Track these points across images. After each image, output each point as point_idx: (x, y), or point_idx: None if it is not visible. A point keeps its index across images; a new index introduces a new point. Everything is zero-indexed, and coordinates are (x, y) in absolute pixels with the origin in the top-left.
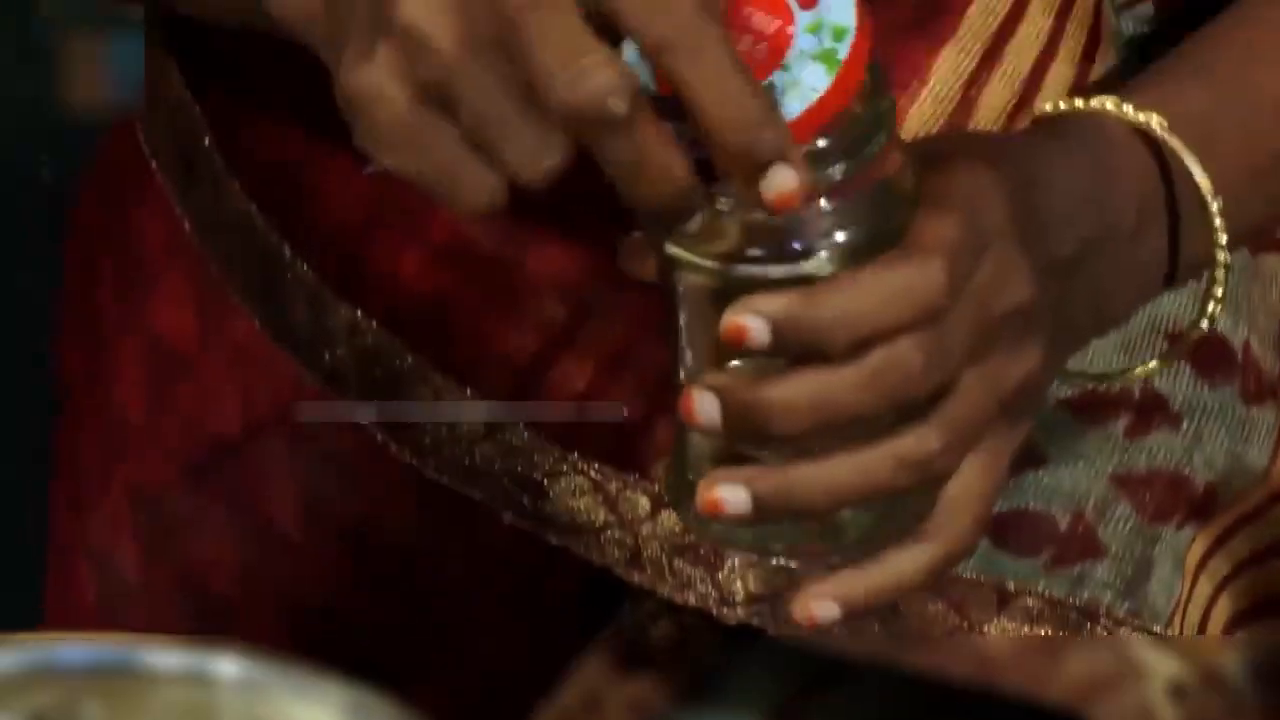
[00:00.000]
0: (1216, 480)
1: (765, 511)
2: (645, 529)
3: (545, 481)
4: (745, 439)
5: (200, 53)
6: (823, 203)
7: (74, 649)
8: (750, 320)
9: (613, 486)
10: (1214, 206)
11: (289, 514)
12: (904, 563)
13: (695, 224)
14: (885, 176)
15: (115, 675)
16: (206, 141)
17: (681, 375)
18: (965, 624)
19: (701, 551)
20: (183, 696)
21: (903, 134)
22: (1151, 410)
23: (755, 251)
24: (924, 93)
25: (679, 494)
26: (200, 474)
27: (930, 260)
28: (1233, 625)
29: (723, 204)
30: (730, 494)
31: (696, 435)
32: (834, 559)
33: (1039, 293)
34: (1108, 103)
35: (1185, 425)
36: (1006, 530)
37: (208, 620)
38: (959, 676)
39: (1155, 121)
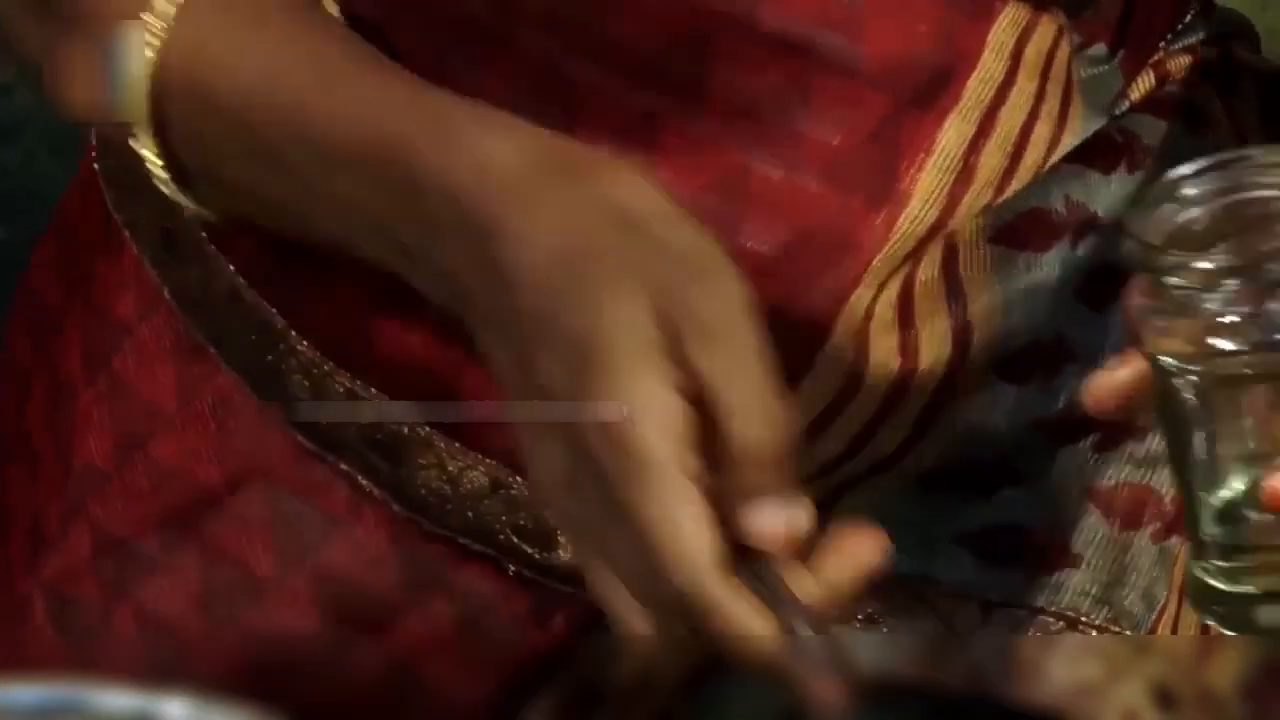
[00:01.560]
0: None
1: None
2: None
3: (553, 534)
4: None
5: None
6: None
7: (24, 690)
8: None
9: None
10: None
11: (267, 563)
12: None
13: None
14: None
15: (65, 716)
16: (188, 213)
17: (1195, 479)
18: (953, 635)
19: None
20: None
21: (909, 206)
22: (1119, 425)
23: (1248, 348)
24: (929, 163)
25: (1208, 601)
26: (177, 523)
27: None
28: (1223, 638)
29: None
30: None
31: (1215, 542)
32: None
33: None
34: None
35: (1150, 440)
36: (988, 545)
37: (169, 664)
38: (946, 688)
39: None
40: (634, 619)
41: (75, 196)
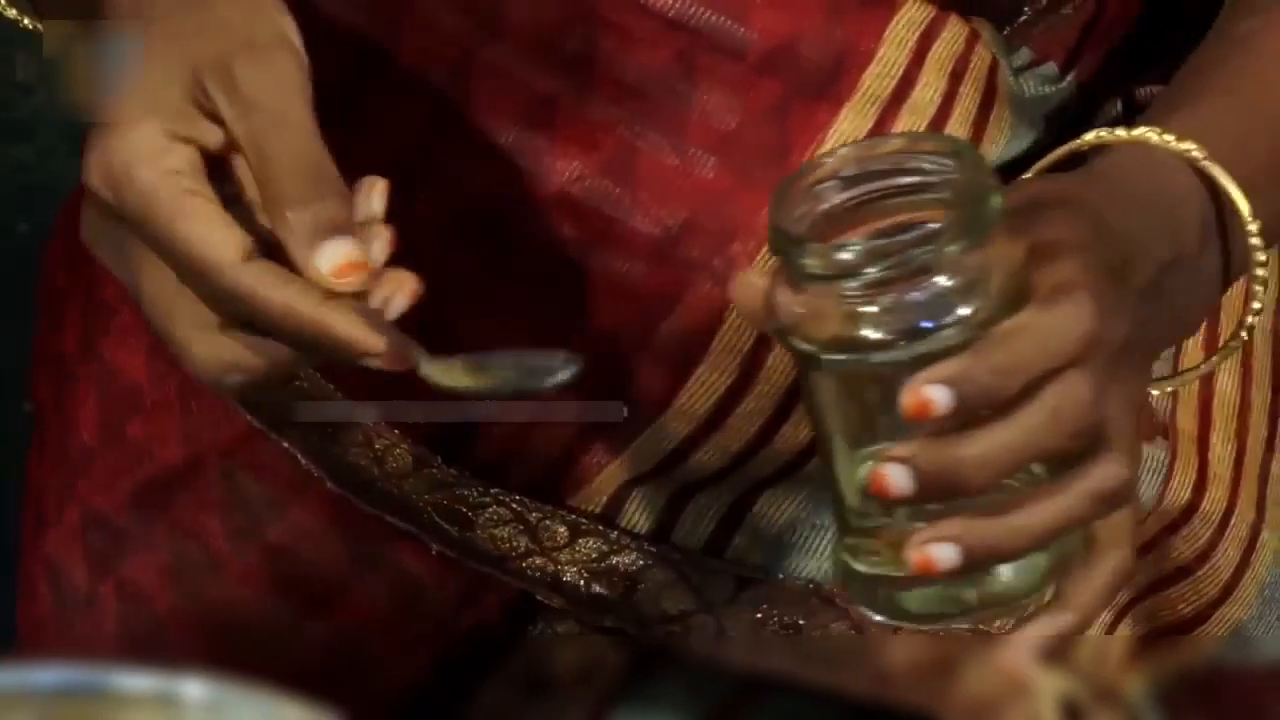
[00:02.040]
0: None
1: (974, 562)
2: (564, 556)
3: (470, 513)
4: (939, 498)
5: None
6: (943, 280)
7: (45, 672)
8: (933, 392)
9: (533, 517)
10: (1253, 228)
11: (222, 540)
12: (1084, 597)
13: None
14: (996, 247)
15: (85, 698)
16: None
17: (837, 464)
18: (866, 644)
19: (615, 578)
20: (151, 718)
21: None
22: None
23: (891, 337)
24: (822, 150)
25: (852, 583)
26: (146, 499)
27: (1076, 296)
28: (1136, 649)
29: (849, 300)
30: (943, 552)
31: (857, 528)
32: (1012, 616)
33: (1134, 324)
34: (1150, 134)
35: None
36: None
37: (146, 635)
38: (859, 693)
39: (1196, 150)
40: (181, 335)
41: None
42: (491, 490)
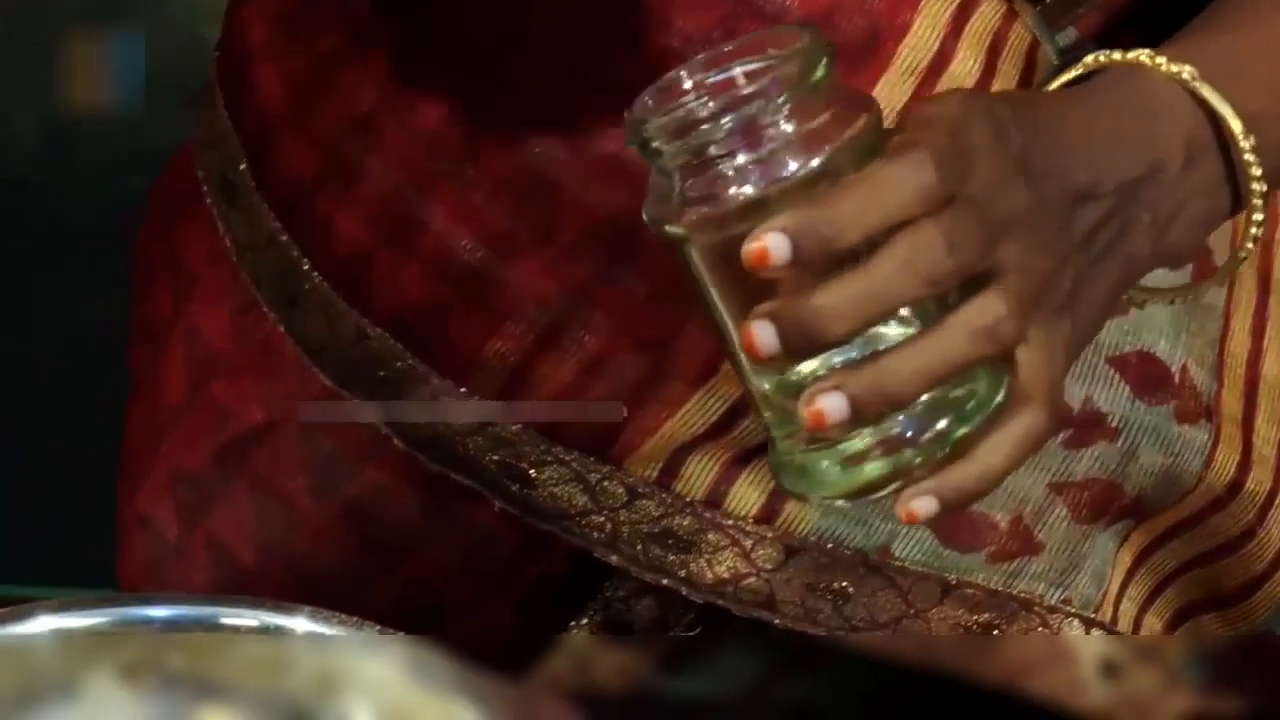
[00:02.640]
0: (1147, 490)
1: (861, 408)
2: (622, 515)
3: (532, 471)
4: (805, 352)
5: (240, 89)
6: (773, 135)
7: (160, 606)
8: (770, 239)
9: (592, 477)
10: (1246, 145)
11: (302, 496)
12: (988, 454)
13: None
14: (835, 110)
15: (197, 630)
16: (243, 166)
17: (734, 353)
18: (911, 610)
19: (670, 540)
20: (259, 650)
21: None
22: (1091, 425)
23: (724, 201)
24: (916, 22)
25: (781, 473)
26: (230, 457)
27: (916, 154)
28: (1176, 619)
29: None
30: (831, 403)
31: (770, 408)
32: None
33: (1036, 203)
34: (1142, 55)
35: (1121, 440)
36: (951, 530)
37: (233, 585)
38: (905, 658)
39: (1187, 72)
40: None
41: (181, 154)
42: (553, 449)
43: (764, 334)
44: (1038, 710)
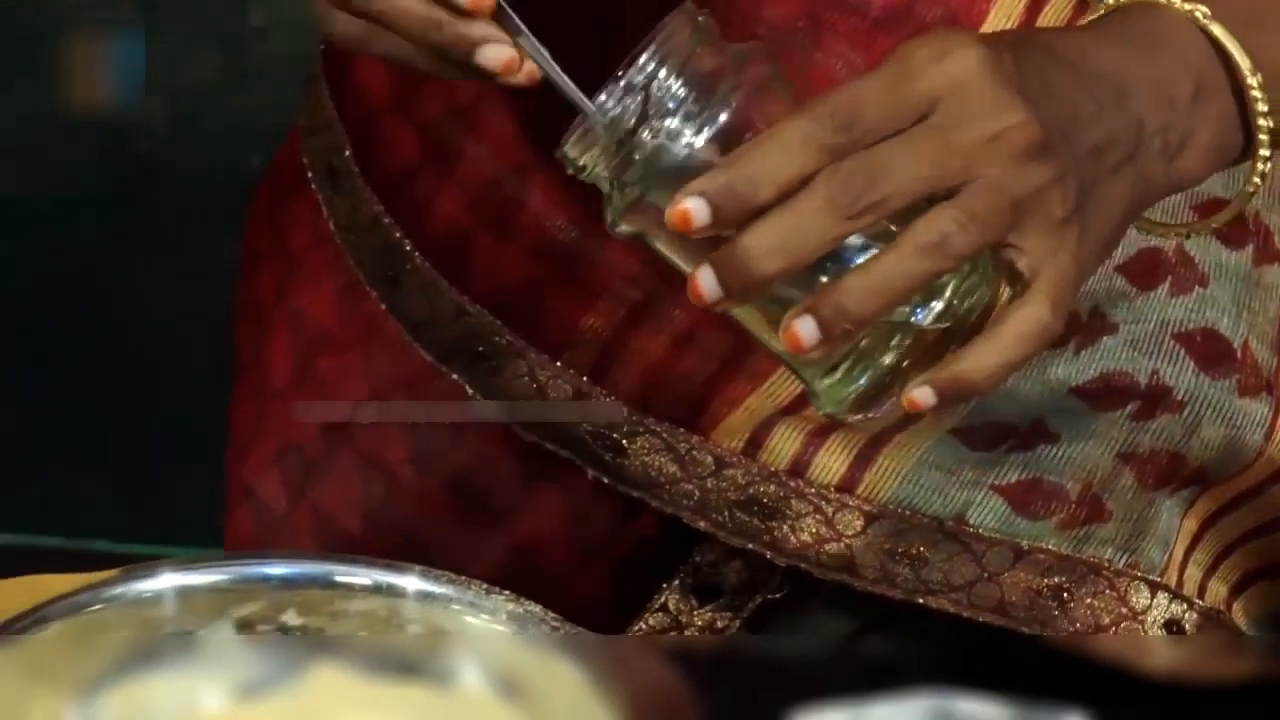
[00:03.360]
0: (1210, 461)
1: (831, 330)
2: (710, 483)
3: (624, 441)
4: (750, 293)
5: (345, 79)
6: (678, 89)
7: (277, 565)
8: (689, 203)
9: (681, 447)
10: (1253, 82)
11: (404, 466)
12: (984, 349)
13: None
14: (727, 65)
15: (312, 587)
16: (347, 153)
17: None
18: (985, 574)
19: (755, 507)
20: (372, 606)
21: None
22: (1157, 398)
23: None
24: (991, 12)
25: (815, 398)
26: (336, 431)
27: (813, 110)
28: (1241, 584)
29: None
30: (803, 327)
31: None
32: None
33: (1039, 123)
34: None
35: (1186, 412)
36: (1023, 498)
37: (336, 544)
38: (981, 618)
39: (1200, 12)
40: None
41: (289, 140)
42: (645, 420)
43: (705, 279)
44: (1105, 669)
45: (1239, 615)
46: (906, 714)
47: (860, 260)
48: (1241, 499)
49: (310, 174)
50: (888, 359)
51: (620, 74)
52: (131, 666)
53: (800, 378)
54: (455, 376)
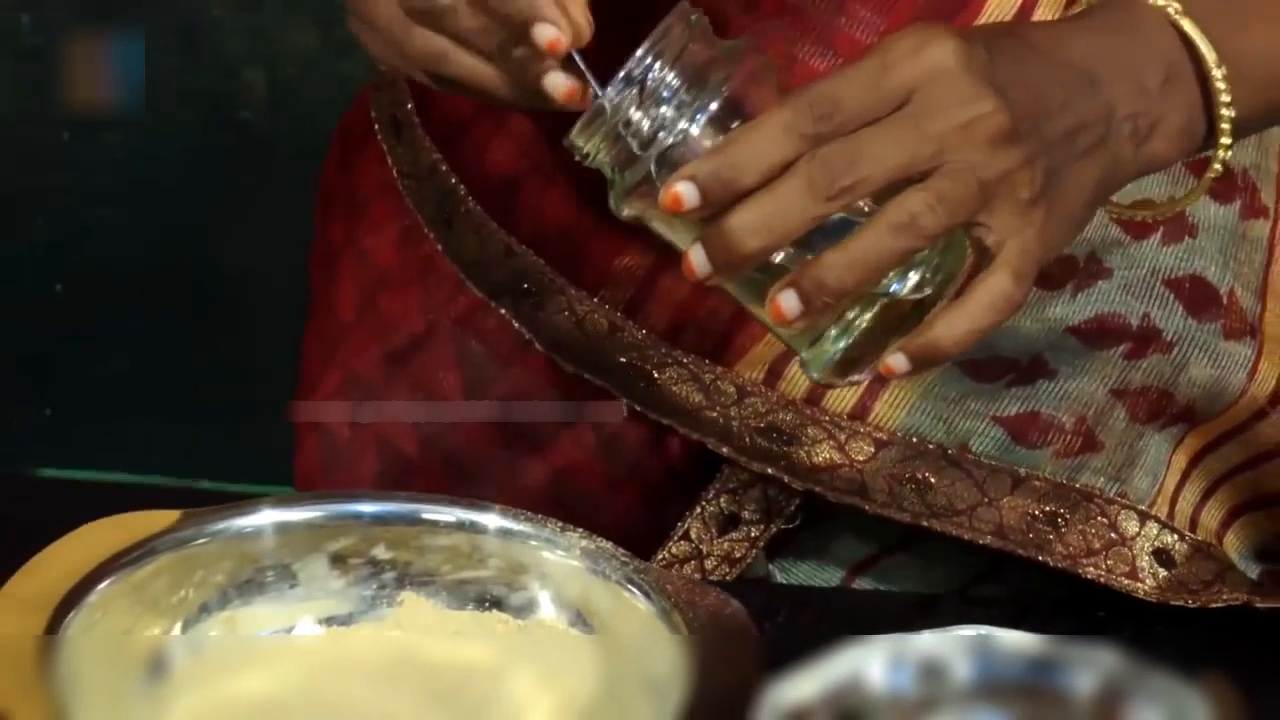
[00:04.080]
0: (1197, 398)
1: (811, 302)
2: (733, 411)
3: (655, 371)
4: (738, 268)
5: None
6: (672, 80)
7: (368, 503)
8: (680, 186)
9: (706, 377)
10: (1218, 74)
11: (456, 393)
12: (953, 318)
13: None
14: (717, 58)
15: (400, 524)
16: (409, 106)
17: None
18: (986, 499)
19: (775, 433)
20: (455, 542)
21: None
22: (1148, 339)
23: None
24: (985, 13)
25: (802, 363)
26: (395, 361)
27: (795, 100)
28: (1230, 517)
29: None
30: (786, 299)
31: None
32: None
33: (1009, 112)
34: None
35: (1175, 352)
36: (1021, 428)
37: (397, 478)
38: (980, 542)
39: (1172, 8)
40: (400, 31)
41: (359, 98)
42: (673, 352)
43: (697, 256)
44: (1098, 591)
45: (1231, 547)
46: (947, 645)
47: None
48: (1227, 436)
49: (377, 126)
50: (865, 327)
51: (622, 70)
52: (233, 596)
53: (789, 346)
54: (503, 311)
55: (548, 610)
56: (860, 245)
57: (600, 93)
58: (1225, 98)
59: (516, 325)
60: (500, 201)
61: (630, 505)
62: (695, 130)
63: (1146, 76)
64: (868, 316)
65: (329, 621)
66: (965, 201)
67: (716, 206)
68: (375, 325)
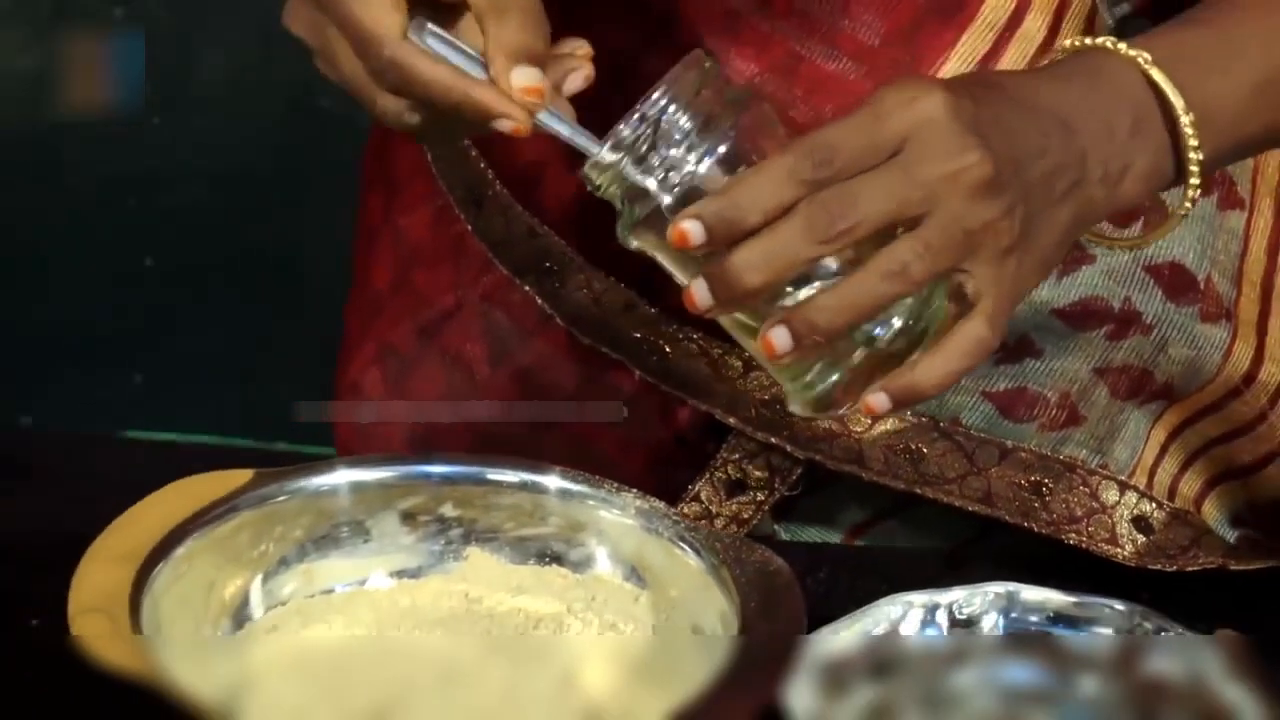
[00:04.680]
0: (1175, 377)
1: (802, 340)
2: (739, 384)
3: (667, 345)
4: (737, 303)
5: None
6: (685, 124)
7: (437, 464)
8: (687, 224)
9: (715, 352)
10: (1186, 120)
11: (481, 363)
12: (931, 362)
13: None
14: (712, 108)
15: (467, 484)
16: None
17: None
18: (975, 469)
19: (778, 405)
20: (518, 501)
21: None
22: (1129, 321)
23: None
24: (947, 68)
25: (787, 396)
26: (426, 332)
27: (797, 148)
28: (1208, 486)
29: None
30: (778, 335)
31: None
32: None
33: (994, 162)
34: (1106, 41)
35: (1154, 334)
36: (1009, 403)
37: (428, 440)
38: (970, 508)
39: (1142, 57)
40: (367, 92)
41: None
42: (684, 328)
43: (699, 290)
44: (1079, 555)
45: (1209, 514)
46: (978, 599)
47: (831, 279)
48: (1204, 412)
49: None
50: (849, 367)
51: (635, 108)
52: (309, 550)
53: (775, 377)
54: (527, 288)
55: (604, 565)
56: (852, 289)
57: (595, 149)
58: (1193, 142)
59: (539, 301)
60: (525, 186)
61: (641, 469)
62: (703, 170)
63: (1117, 123)
64: (853, 358)
65: (399, 575)
66: (951, 251)
67: (721, 244)
68: (409, 298)
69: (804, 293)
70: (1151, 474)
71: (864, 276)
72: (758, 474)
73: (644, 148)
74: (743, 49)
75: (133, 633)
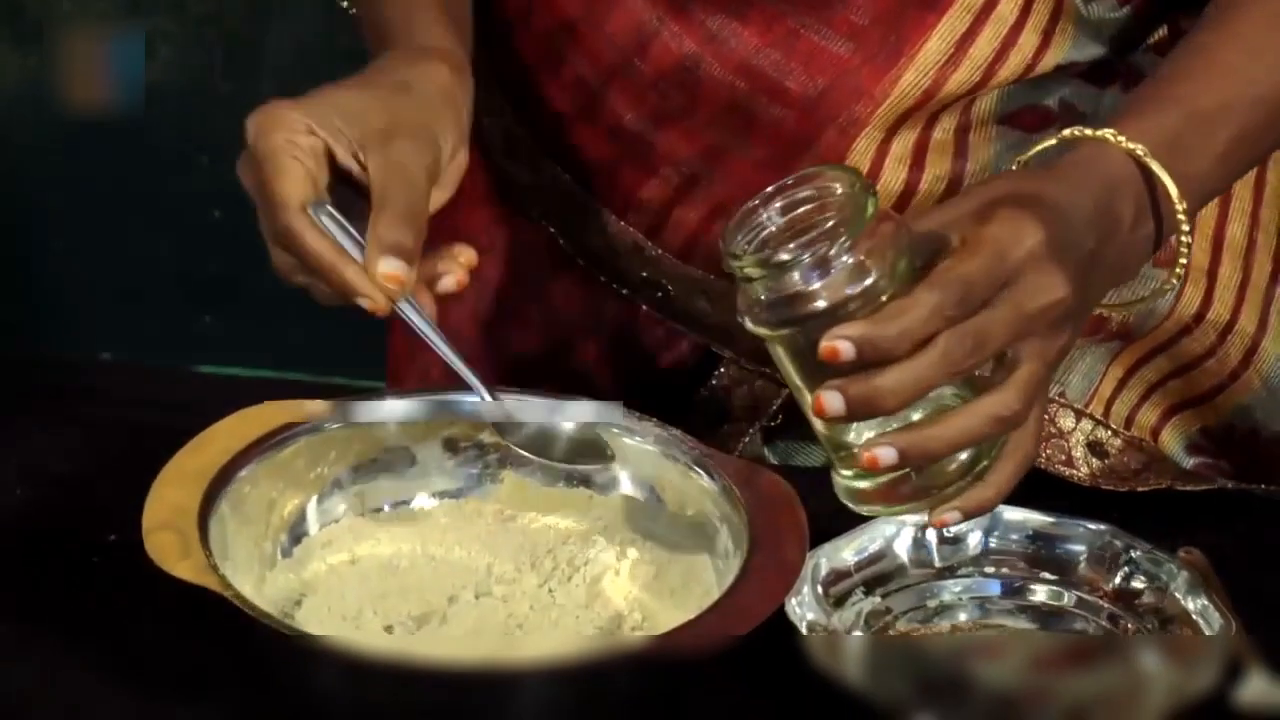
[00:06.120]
0: (1130, 317)
1: (906, 459)
2: (734, 319)
3: (669, 284)
4: (862, 416)
5: (482, 5)
6: (846, 258)
7: (518, 404)
8: (841, 344)
9: (715, 289)
10: (1179, 208)
11: (511, 296)
12: (995, 479)
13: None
14: (875, 243)
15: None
16: (487, 60)
17: (808, 410)
18: None
19: None
20: (551, 428)
21: (907, 75)
22: None
23: (802, 313)
24: (927, 46)
25: (842, 493)
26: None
27: (953, 282)
28: (1166, 415)
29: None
30: (883, 452)
31: (830, 446)
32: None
33: (1073, 290)
34: (1107, 134)
35: (1112, 294)
36: None
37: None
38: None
39: (1140, 149)
40: (270, 245)
41: None
42: (686, 266)
43: (833, 401)
44: (1055, 481)
45: (1167, 442)
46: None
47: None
48: (1158, 350)
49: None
50: (917, 482)
51: (792, 199)
52: (360, 473)
53: (830, 460)
54: (551, 229)
55: (626, 487)
56: (961, 425)
57: (444, 351)
58: (1185, 227)
59: (561, 242)
60: (552, 137)
61: (638, 396)
62: (853, 292)
63: (1123, 217)
64: (924, 474)
65: (441, 496)
66: (1042, 386)
67: (864, 365)
68: (449, 237)
69: None
70: (1109, 405)
71: (974, 415)
72: (740, 405)
73: (802, 266)
74: (750, 24)
75: (199, 549)
